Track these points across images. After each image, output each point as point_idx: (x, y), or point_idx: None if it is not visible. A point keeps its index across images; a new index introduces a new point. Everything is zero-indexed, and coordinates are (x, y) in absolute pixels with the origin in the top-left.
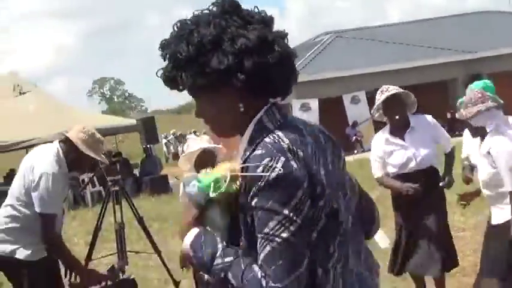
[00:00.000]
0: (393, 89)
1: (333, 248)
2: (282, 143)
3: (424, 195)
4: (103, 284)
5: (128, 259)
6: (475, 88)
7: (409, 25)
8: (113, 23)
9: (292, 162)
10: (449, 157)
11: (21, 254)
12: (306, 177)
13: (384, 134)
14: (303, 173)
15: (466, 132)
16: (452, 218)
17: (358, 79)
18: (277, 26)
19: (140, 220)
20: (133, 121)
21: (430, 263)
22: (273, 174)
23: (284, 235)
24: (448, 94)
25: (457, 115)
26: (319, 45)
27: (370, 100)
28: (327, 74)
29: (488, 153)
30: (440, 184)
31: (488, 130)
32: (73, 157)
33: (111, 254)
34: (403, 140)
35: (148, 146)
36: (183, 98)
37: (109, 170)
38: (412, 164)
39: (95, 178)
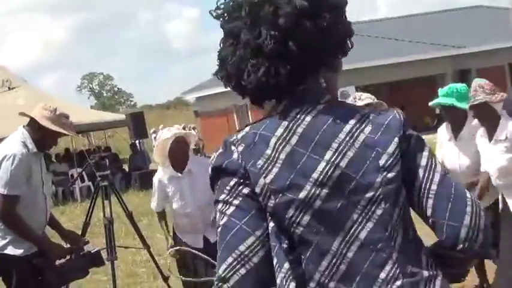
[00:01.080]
0: (366, 98)
1: (277, 262)
2: (233, 136)
3: None
4: (68, 257)
5: (117, 254)
6: (484, 81)
7: (398, 20)
8: (102, 18)
9: (225, 155)
10: None
11: (11, 249)
12: (238, 170)
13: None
14: (235, 166)
15: (442, 131)
16: None
17: (347, 74)
18: None
19: (129, 215)
20: (122, 116)
21: None
22: (211, 165)
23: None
24: (437, 89)
25: (480, 100)
26: None
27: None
28: None
29: (506, 138)
30: None
31: (502, 116)
32: (39, 135)
33: (100, 249)
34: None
35: (137, 141)
36: (172, 93)
37: (98, 165)
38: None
39: (84, 173)
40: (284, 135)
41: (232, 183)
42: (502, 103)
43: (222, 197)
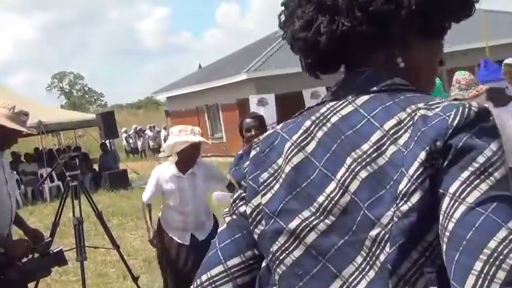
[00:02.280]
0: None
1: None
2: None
3: None
4: (30, 256)
5: (87, 254)
6: (463, 75)
7: None
8: (73, 17)
9: (240, 160)
10: None
11: None
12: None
13: None
14: (239, 176)
15: None
16: None
17: None
18: (237, 22)
19: (99, 215)
20: (92, 116)
21: None
22: None
23: None
24: None
25: (452, 97)
26: (280, 40)
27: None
28: (287, 69)
29: None
30: None
31: None
32: None
33: (69, 249)
34: None
35: (107, 140)
36: (143, 93)
37: (68, 165)
38: None
39: (53, 173)
40: (300, 140)
41: (236, 195)
42: (481, 96)
43: (225, 210)
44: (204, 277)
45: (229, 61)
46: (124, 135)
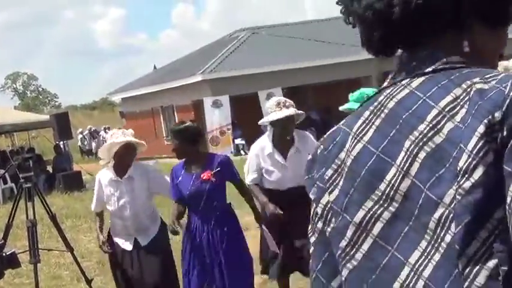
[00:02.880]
0: (290, 106)
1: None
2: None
3: (296, 214)
4: None
5: (40, 257)
6: None
7: (325, 23)
8: (27, 17)
9: (310, 163)
10: None
11: None
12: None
13: (269, 143)
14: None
15: None
16: None
17: (274, 76)
18: (192, 23)
19: (53, 217)
20: (46, 117)
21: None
22: None
23: None
24: None
25: None
26: (235, 42)
27: (286, 96)
28: (242, 70)
29: None
30: None
31: None
32: None
33: (22, 252)
34: (285, 159)
35: (61, 142)
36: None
37: (21, 167)
38: (289, 184)
39: (6, 174)
40: (359, 131)
41: (312, 209)
42: None
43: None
44: None
45: (184, 62)
46: (80, 136)
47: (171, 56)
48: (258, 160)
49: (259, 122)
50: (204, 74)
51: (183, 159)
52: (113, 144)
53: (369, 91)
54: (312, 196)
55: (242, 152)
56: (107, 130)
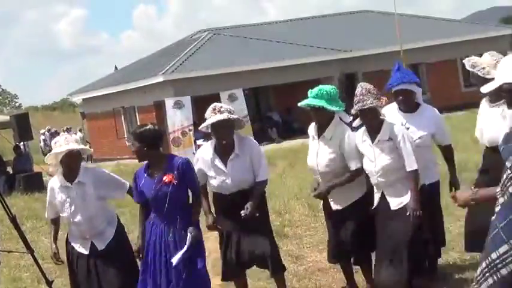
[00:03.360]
0: (225, 111)
1: None
2: None
3: (239, 216)
4: None
5: (0, 258)
6: (366, 85)
7: (287, 23)
8: None
9: None
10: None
11: None
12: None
13: (210, 150)
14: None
15: (310, 129)
16: None
17: (235, 77)
18: (154, 24)
19: (12, 219)
20: (6, 117)
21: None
22: None
23: None
24: None
25: (370, 105)
26: (197, 43)
27: (248, 97)
28: (204, 71)
29: (389, 139)
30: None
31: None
32: None
33: None
34: (225, 165)
35: (21, 142)
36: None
37: None
38: (230, 189)
39: None
40: None
41: (504, 175)
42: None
43: (498, 189)
44: (493, 255)
45: (146, 63)
46: (42, 137)
47: (133, 57)
48: (200, 166)
49: (199, 128)
50: (165, 74)
51: (145, 162)
52: (56, 153)
53: (328, 88)
54: (508, 163)
55: None
56: (69, 131)
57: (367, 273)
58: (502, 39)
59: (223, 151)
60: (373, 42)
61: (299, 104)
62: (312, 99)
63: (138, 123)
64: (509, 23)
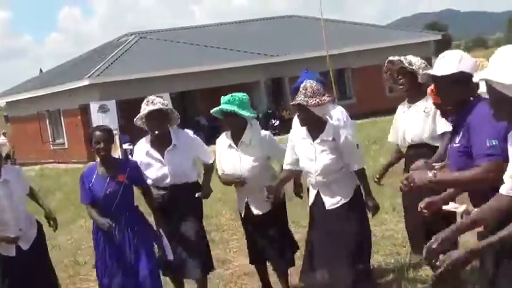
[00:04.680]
0: (158, 103)
1: None
2: None
3: (179, 208)
4: None
5: None
6: (312, 82)
7: (213, 28)
8: None
9: None
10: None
11: None
12: None
13: (146, 144)
14: None
15: (221, 139)
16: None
17: (162, 80)
18: (79, 26)
19: None
20: None
21: (189, 268)
22: None
23: None
24: (251, 96)
25: (297, 101)
26: (123, 46)
27: (174, 101)
28: (130, 75)
29: (332, 139)
30: (196, 195)
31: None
32: None
33: None
34: (163, 156)
35: None
36: None
37: None
38: (167, 180)
39: None
40: None
41: None
42: (324, 106)
43: None
44: None
45: (71, 66)
46: None
47: (58, 60)
48: (138, 157)
49: (134, 121)
50: (91, 78)
51: (93, 163)
52: None
53: (240, 95)
54: None
55: (130, 156)
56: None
57: (283, 277)
58: (426, 45)
59: (160, 143)
60: (300, 47)
61: (211, 111)
62: (224, 104)
63: (64, 127)
64: (434, 29)
